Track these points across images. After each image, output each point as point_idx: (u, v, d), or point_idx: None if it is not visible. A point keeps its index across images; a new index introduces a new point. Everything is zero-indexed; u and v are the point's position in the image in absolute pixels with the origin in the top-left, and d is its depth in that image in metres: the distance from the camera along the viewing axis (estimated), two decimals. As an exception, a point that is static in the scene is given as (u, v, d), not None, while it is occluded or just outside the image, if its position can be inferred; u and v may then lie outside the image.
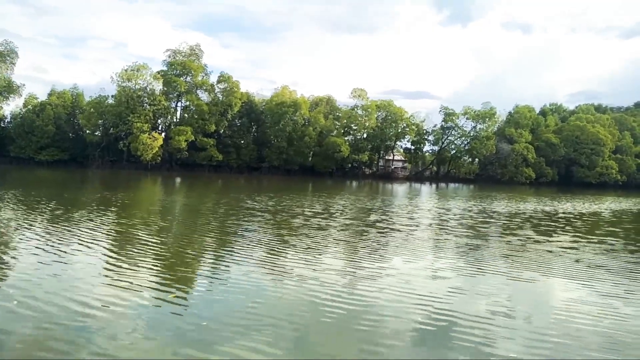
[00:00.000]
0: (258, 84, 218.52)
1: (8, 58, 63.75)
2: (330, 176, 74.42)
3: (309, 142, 71.43)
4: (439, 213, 24.55)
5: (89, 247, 11.35)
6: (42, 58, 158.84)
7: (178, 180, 50.36)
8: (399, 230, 16.64)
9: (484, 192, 50.40)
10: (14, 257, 9.96)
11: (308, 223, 17.49)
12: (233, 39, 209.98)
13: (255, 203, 24.21)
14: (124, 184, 41.42)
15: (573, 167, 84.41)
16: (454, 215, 23.47)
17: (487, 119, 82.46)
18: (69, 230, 13.54)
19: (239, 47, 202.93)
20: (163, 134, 68.01)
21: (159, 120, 70.15)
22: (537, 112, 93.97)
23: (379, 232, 15.88)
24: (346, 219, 19.75)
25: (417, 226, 18.35)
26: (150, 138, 60.21)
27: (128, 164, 64.85)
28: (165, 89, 67.22)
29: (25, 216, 15.94)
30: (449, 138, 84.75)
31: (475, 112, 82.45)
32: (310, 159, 73.39)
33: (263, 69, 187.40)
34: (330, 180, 65.77)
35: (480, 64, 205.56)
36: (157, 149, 61.25)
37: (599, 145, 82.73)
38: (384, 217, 21.03)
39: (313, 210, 22.40)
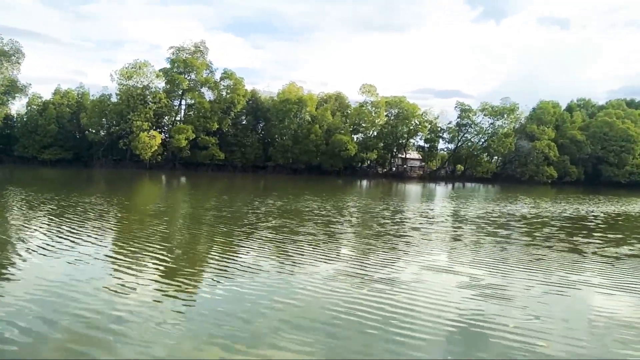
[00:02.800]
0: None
1: (14, 57, 63.93)
2: (338, 175, 71.75)
3: (315, 140, 68.94)
4: (461, 217, 22.21)
5: (98, 249, 11.06)
6: (81, 62, 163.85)
7: (183, 179, 48.98)
8: (422, 234, 15.71)
9: (505, 193, 46.45)
10: (13, 263, 9.40)
11: (320, 224, 16.69)
12: (263, 41, 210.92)
13: (263, 205, 22.63)
14: (114, 184, 40.08)
15: (601, 166, 78.95)
16: (480, 219, 21.15)
17: (505, 115, 78.05)
18: (75, 233, 12.81)
19: (270, 48, 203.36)
20: (166, 133, 66.99)
21: (165, 119, 69.29)
22: (564, 108, 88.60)
23: (400, 236, 15.16)
24: (362, 222, 18.83)
25: (443, 229, 17.40)
26: (148, 136, 59.09)
27: (131, 163, 64.04)
28: (167, 86, 66.23)
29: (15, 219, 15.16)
30: (465, 135, 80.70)
31: (493, 108, 78.18)
32: (317, 157, 70.77)
33: (293, 69, 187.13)
34: (340, 180, 63.07)
35: (515, 62, 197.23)
36: (156, 147, 60.06)
37: (629, 143, 77.06)
38: (403, 219, 20.02)
39: (323, 211, 21.17)
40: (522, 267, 10.90)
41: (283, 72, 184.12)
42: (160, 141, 61.18)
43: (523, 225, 19.28)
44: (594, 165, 79.61)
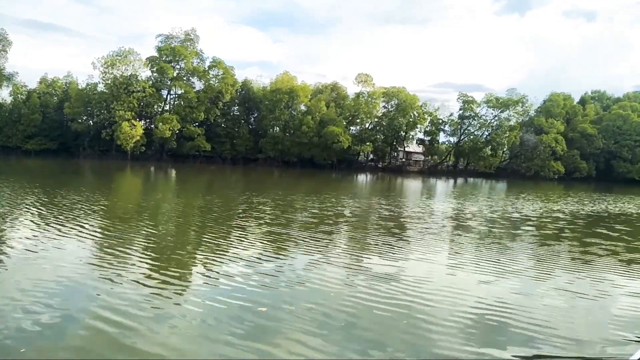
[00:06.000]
0: (309, 79, 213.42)
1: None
2: (332, 168, 68.88)
3: (307, 131, 66.11)
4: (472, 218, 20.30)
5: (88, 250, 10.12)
6: (104, 55, 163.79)
7: (173, 172, 46.82)
8: (440, 233, 15.18)
9: (512, 191, 42.74)
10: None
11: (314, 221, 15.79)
12: (284, 34, 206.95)
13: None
14: (73, 176, 38.15)
15: (613, 161, 74.34)
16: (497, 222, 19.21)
17: (511, 107, 73.90)
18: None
19: (290, 42, 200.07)
20: (152, 124, 64.96)
21: (154, 108, 66.98)
22: (577, 100, 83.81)
23: (417, 232, 14.86)
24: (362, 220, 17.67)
25: (461, 228, 16.77)
26: (129, 126, 57.14)
27: (117, 154, 62.27)
28: (154, 75, 64.22)
29: None
30: (468, 128, 76.69)
31: (498, 99, 74.11)
32: (309, 150, 67.92)
33: (314, 63, 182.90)
34: (334, 174, 60.19)
35: (539, 55, 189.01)
36: (138, 137, 58.07)
37: (644, 137, 72.37)
38: (414, 212, 19.92)
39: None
40: (536, 265, 10.73)
41: (303, 66, 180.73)
42: (143, 131, 59.05)
43: (533, 225, 18.07)
44: (606, 160, 75.08)
